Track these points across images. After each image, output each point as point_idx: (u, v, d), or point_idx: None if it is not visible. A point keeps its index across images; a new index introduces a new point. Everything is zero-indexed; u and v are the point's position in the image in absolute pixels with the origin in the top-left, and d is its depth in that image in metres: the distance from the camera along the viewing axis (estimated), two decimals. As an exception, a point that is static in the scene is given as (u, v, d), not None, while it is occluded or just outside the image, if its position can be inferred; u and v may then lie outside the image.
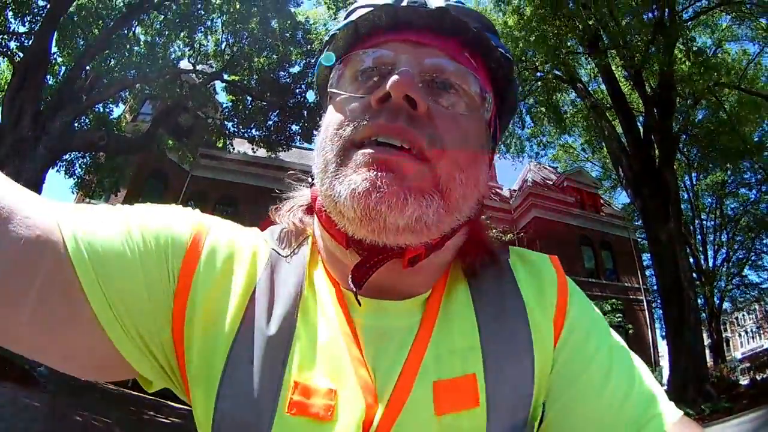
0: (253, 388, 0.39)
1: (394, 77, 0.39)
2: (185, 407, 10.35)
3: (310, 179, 0.50)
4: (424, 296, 0.46)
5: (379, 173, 0.38)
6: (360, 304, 0.42)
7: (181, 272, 0.42)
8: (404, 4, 0.43)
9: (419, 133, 0.39)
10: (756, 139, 16.65)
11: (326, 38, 0.48)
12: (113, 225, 0.40)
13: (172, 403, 11.59)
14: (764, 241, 18.69)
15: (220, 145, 11.48)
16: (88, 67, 10.11)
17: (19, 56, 9.23)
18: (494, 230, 0.55)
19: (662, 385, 13.02)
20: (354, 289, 0.41)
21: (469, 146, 0.42)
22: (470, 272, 0.48)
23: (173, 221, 0.44)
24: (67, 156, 10.94)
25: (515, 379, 0.42)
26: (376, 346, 0.42)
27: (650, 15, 11.18)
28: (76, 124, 10.36)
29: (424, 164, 0.39)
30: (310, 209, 0.51)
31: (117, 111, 15.98)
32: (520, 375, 0.42)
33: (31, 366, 9.14)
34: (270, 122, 11.21)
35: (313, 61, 11.29)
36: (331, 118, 0.43)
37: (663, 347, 15.60)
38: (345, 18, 0.48)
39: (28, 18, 9.72)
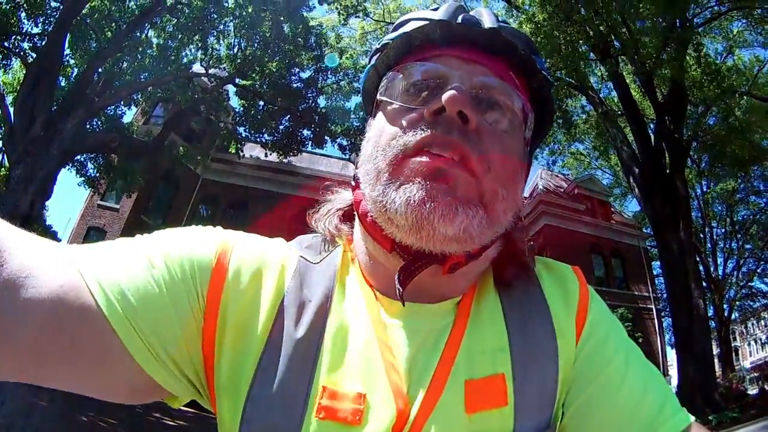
0: (282, 393, 0.40)
1: (450, 92, 0.40)
2: (192, 410, 10.41)
3: (352, 182, 0.50)
4: (456, 299, 0.47)
5: (434, 183, 0.39)
6: (404, 304, 0.43)
7: (209, 293, 0.42)
8: (459, 21, 0.45)
9: (471, 148, 0.41)
10: (767, 146, 16.51)
11: (377, 46, 0.49)
12: (135, 261, 0.40)
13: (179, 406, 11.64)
14: (774, 249, 18.57)
15: (232, 150, 11.51)
16: (100, 70, 10.14)
17: (31, 57, 9.30)
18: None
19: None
20: (401, 289, 0.42)
21: (512, 163, 0.44)
22: (501, 282, 0.49)
23: (196, 244, 0.44)
24: (80, 156, 10.99)
25: (541, 379, 0.43)
26: (409, 349, 0.43)
27: (661, 21, 11.07)
28: (88, 126, 10.42)
29: (473, 177, 0.41)
30: (346, 214, 0.52)
31: (129, 114, 16.12)
32: (546, 376, 0.44)
33: None
34: (281, 127, 11.23)
35: (324, 66, 11.33)
36: (383, 126, 0.44)
37: (672, 356, 15.51)
38: (396, 28, 0.49)
39: (41, 19, 9.78)
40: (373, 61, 0.49)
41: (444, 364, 0.42)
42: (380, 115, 0.46)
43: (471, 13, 0.48)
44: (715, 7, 12.68)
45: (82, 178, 11.07)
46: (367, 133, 0.48)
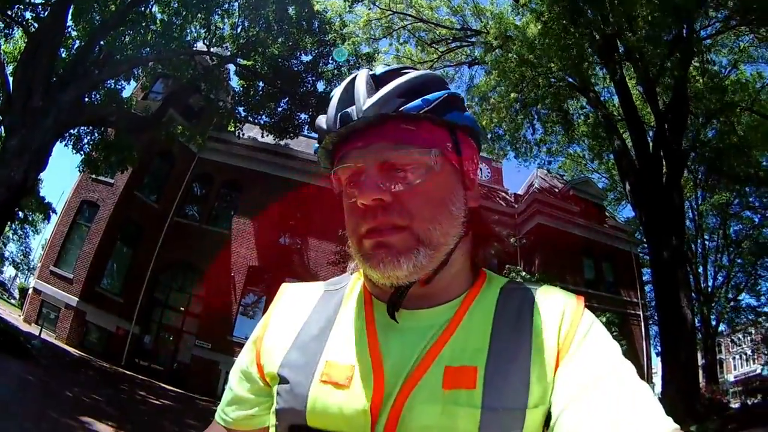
0: (300, 365, 0.58)
1: (362, 190, 0.54)
2: (177, 390, 10.29)
3: None
4: (459, 300, 0.60)
5: (379, 251, 0.54)
6: (398, 321, 0.58)
7: (257, 360, 0.64)
8: (339, 125, 0.56)
9: (391, 215, 0.54)
10: (764, 163, 16.55)
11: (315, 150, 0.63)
12: (231, 391, 0.67)
13: (164, 385, 11.64)
14: (766, 266, 18.63)
15: (231, 128, 11.44)
16: (102, 42, 10.03)
17: (34, 27, 9.16)
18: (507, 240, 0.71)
19: (653, 401, 12.95)
20: (392, 315, 0.58)
21: (434, 199, 0.56)
22: (483, 261, 0.64)
23: (244, 360, 0.67)
24: (75, 131, 10.86)
25: (510, 375, 0.53)
26: (395, 338, 0.57)
27: (668, 31, 11.04)
28: (86, 99, 10.31)
29: (404, 231, 0.54)
30: None
31: (128, 88, 15.96)
32: (516, 374, 0.53)
33: (26, 338, 9.13)
34: (279, 109, 11.17)
35: (326, 51, 11.26)
36: (347, 216, 0.59)
37: (657, 363, 15.59)
38: (317, 132, 0.62)
39: None
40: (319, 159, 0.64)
41: (431, 353, 0.55)
42: (344, 205, 0.60)
43: (352, 85, 0.58)
44: (723, 21, 12.63)
45: (81, 158, 10.93)
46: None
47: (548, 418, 0.52)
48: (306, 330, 0.62)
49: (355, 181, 0.57)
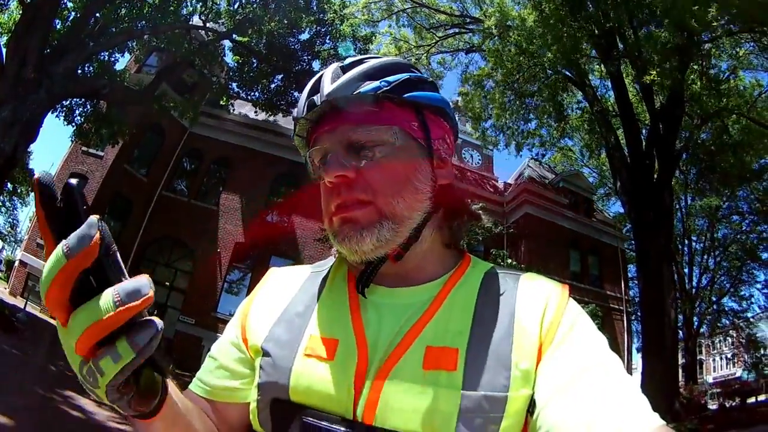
0: (284, 339, 0.59)
1: (326, 169, 0.57)
2: None
3: None
4: (444, 278, 0.61)
5: (345, 226, 0.57)
6: (365, 297, 0.60)
7: (242, 334, 0.64)
8: (305, 114, 0.60)
9: (355, 191, 0.57)
10: (756, 169, 16.68)
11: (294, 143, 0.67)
12: (214, 359, 0.65)
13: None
14: (750, 271, 18.85)
15: (224, 103, 11.35)
16: (97, 14, 9.91)
17: None
18: (486, 220, 0.70)
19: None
20: (362, 291, 0.60)
21: (396, 175, 0.58)
22: (455, 237, 0.66)
23: (230, 332, 0.67)
24: (67, 103, 10.75)
25: (490, 360, 0.53)
26: (376, 315, 0.58)
27: (670, 36, 11.00)
28: (79, 71, 10.19)
29: (368, 205, 0.56)
30: None
31: (122, 61, 15.77)
32: (496, 357, 0.53)
33: (11, 311, 9.07)
34: (273, 86, 11.07)
35: (323, 30, 11.15)
36: (321, 197, 0.62)
37: (637, 359, 15.74)
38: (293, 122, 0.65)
39: None
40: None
41: (413, 331, 0.55)
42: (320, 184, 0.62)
43: (321, 76, 0.61)
44: (725, 26, 12.60)
45: (73, 129, 10.82)
46: None
47: (531, 406, 0.51)
48: (291, 307, 0.63)
49: (325, 162, 0.59)
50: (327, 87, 0.58)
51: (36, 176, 0.36)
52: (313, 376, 0.55)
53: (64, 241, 0.35)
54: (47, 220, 0.37)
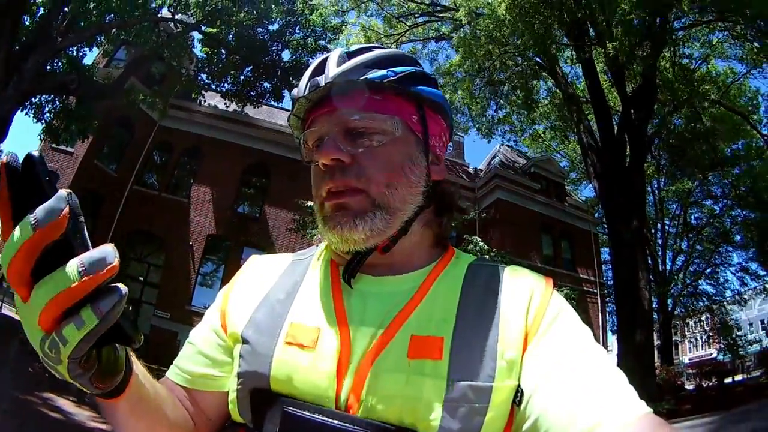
0: (265, 326, 0.57)
1: (321, 151, 0.56)
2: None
3: None
4: (428, 268, 0.61)
5: (337, 213, 0.56)
6: (352, 287, 0.59)
7: (221, 320, 0.63)
8: (306, 93, 0.59)
9: (349, 177, 0.56)
10: (728, 153, 17.02)
11: (288, 121, 0.67)
12: (193, 345, 0.64)
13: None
14: (723, 255, 19.25)
15: (194, 95, 11.24)
16: (66, 9, 9.72)
17: None
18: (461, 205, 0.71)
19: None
20: (347, 280, 0.59)
21: (392, 164, 0.57)
22: (443, 233, 0.65)
23: (210, 318, 0.65)
24: (36, 99, 10.57)
25: (476, 348, 0.52)
26: (360, 303, 0.57)
27: (642, 20, 11.11)
28: (48, 67, 10.02)
29: (360, 193, 0.56)
30: None
31: (90, 56, 15.44)
32: (482, 346, 0.53)
33: None
34: (242, 77, 10.98)
35: (293, 21, 11.08)
36: (312, 180, 0.61)
37: (612, 341, 16.00)
38: (291, 101, 0.65)
39: None
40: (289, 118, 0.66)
41: (398, 320, 0.55)
42: (312, 167, 0.61)
43: (325, 58, 0.61)
44: (698, 14, 12.73)
45: (42, 127, 10.63)
46: None
47: (518, 396, 0.51)
48: (272, 294, 0.61)
49: (319, 145, 0.59)
50: (332, 69, 0.58)
51: (3, 159, 0.35)
52: (294, 365, 0.53)
53: (31, 214, 0.34)
54: (9, 200, 0.35)
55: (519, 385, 0.52)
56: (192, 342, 0.64)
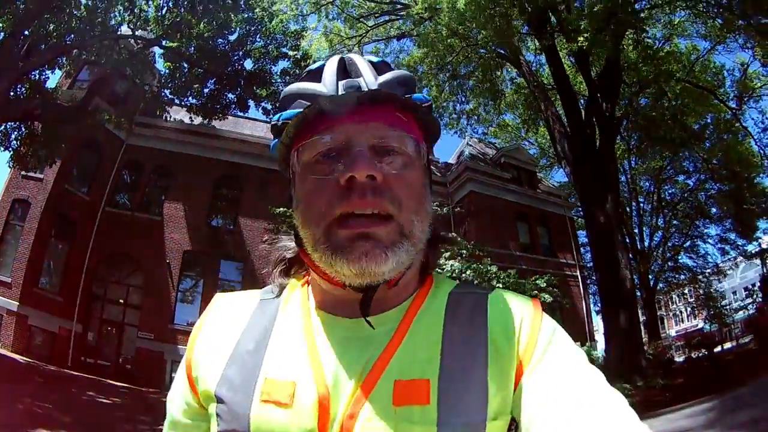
0: (238, 383, 0.53)
1: (356, 162, 0.49)
2: (125, 385, 10.13)
3: (294, 238, 0.60)
4: (406, 303, 0.57)
5: (362, 243, 0.49)
6: (374, 327, 0.53)
7: (189, 380, 0.59)
8: (342, 92, 0.53)
9: (384, 200, 0.49)
10: (697, 128, 17.38)
11: (276, 123, 0.57)
12: (171, 414, 0.61)
13: (112, 382, 11.41)
14: (700, 228, 19.67)
15: (159, 113, 11.14)
16: (26, 32, 9.57)
17: None
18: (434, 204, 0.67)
19: (598, 359, 13.55)
20: (365, 317, 0.53)
21: (416, 192, 0.53)
22: (431, 267, 0.61)
23: (180, 383, 0.61)
24: (2, 128, 10.39)
25: (466, 387, 0.50)
26: (343, 350, 0.53)
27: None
28: (11, 93, 9.84)
29: (390, 222, 0.50)
30: (291, 263, 0.64)
31: (53, 78, 15.17)
32: (472, 386, 0.50)
33: None
34: (206, 90, 10.92)
35: (253, 29, 11.03)
36: (309, 198, 0.52)
37: (597, 322, 16.28)
38: (284, 102, 0.58)
39: None
40: (277, 139, 0.57)
41: (379, 365, 0.51)
42: (301, 186, 0.54)
43: (350, 62, 0.57)
44: None
45: (9, 155, 10.45)
46: (294, 199, 0.56)
47: (512, 430, 0.50)
48: (242, 343, 0.57)
49: (335, 156, 0.52)
50: (370, 76, 0.54)
51: None
52: (273, 424, 0.50)
53: None
54: None
55: (513, 418, 0.51)
56: (168, 410, 0.62)
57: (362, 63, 0.56)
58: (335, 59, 0.57)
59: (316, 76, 0.57)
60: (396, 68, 0.60)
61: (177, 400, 0.60)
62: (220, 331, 0.59)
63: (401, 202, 0.51)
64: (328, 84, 0.55)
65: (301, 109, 0.53)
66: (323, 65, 0.58)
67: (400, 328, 0.54)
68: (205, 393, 0.56)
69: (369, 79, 0.54)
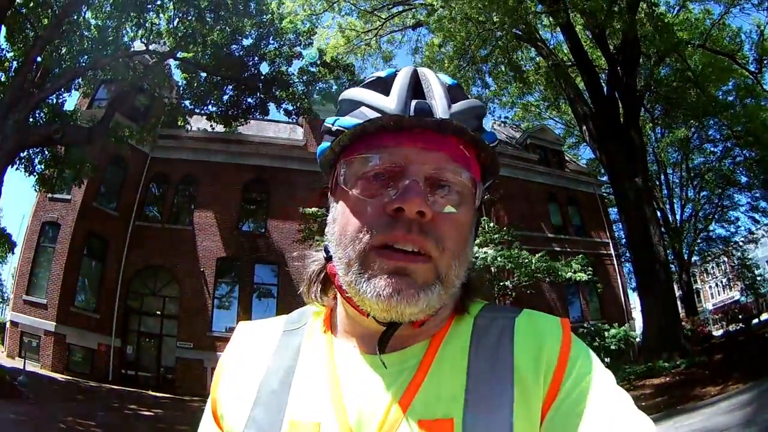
0: (265, 426, 0.51)
1: (409, 194, 0.46)
2: (167, 395, 10.30)
3: (323, 253, 0.57)
4: (425, 342, 0.53)
5: (397, 278, 0.46)
6: (386, 366, 0.51)
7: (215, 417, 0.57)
8: (412, 114, 0.48)
9: (428, 240, 0.47)
10: (720, 96, 16.91)
11: (330, 127, 0.53)
12: None
13: (153, 393, 11.61)
14: (730, 197, 19.20)
15: (180, 124, 11.21)
16: (38, 59, 9.69)
17: None
18: None
19: (636, 339, 13.31)
20: (378, 354, 0.51)
21: (462, 235, 0.50)
22: (475, 321, 0.56)
23: (206, 423, 0.59)
24: (25, 153, 10.55)
25: (491, 426, 0.47)
26: (367, 388, 0.51)
27: None
28: (30, 119, 9.99)
29: (430, 262, 0.47)
30: (326, 278, 0.59)
31: (71, 100, 15.42)
32: (497, 423, 0.47)
33: (11, 375, 8.94)
34: (225, 97, 10.97)
35: (265, 32, 11.01)
36: (348, 216, 0.50)
37: (634, 299, 15.96)
38: (344, 106, 0.54)
39: None
40: (327, 142, 0.54)
41: (402, 404, 0.49)
42: (343, 202, 0.51)
43: (423, 81, 0.52)
44: None
45: (35, 179, 10.63)
46: (331, 211, 0.54)
47: None
48: (266, 382, 0.55)
49: (386, 179, 0.49)
50: (448, 103, 0.50)
51: None
52: None
53: None
54: None
55: None
56: None
57: (436, 85, 0.52)
58: (408, 71, 0.53)
59: (385, 87, 0.52)
60: (467, 97, 0.54)
61: None
62: (245, 368, 0.57)
63: (445, 245, 0.48)
64: (396, 100, 0.50)
65: (361, 121, 0.50)
66: (394, 75, 0.53)
67: (423, 362, 0.52)
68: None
69: (441, 106, 0.50)
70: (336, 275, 0.52)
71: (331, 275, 0.55)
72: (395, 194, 0.47)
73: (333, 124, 0.53)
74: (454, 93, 0.52)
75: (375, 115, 0.50)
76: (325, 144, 0.55)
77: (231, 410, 0.55)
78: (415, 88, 0.51)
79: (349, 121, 0.51)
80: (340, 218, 0.51)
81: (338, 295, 0.56)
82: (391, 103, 0.50)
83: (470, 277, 0.55)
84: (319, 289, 0.59)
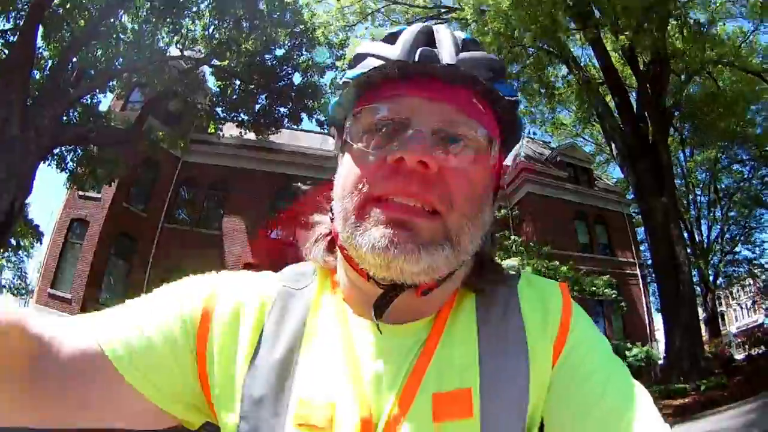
0: (265, 403, 0.46)
1: (409, 144, 0.43)
2: None
3: (329, 213, 0.53)
4: (433, 315, 0.51)
5: (396, 231, 0.43)
6: (381, 332, 0.48)
7: (197, 344, 0.49)
8: (416, 59, 0.45)
9: (430, 193, 0.43)
10: (749, 116, 16.63)
11: (339, 82, 0.55)
12: (139, 323, 0.48)
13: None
14: (757, 218, 18.85)
15: (212, 131, 11.39)
16: (74, 59, 9.94)
17: (4, 54, 9.06)
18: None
19: (659, 359, 13.10)
20: (375, 320, 0.48)
21: (476, 195, 0.46)
22: (477, 291, 0.53)
23: (184, 303, 0.51)
24: (57, 150, 10.80)
25: (509, 395, 0.46)
26: (378, 363, 0.47)
27: None
28: (64, 118, 10.23)
29: (436, 219, 0.44)
30: (332, 241, 0.55)
31: (105, 101, 15.81)
32: (514, 392, 0.46)
33: None
34: (258, 106, 11.11)
35: (299, 42, 11.15)
36: (349, 169, 0.47)
37: (659, 321, 15.70)
38: (354, 61, 0.51)
39: (13, 14, 9.44)
40: (337, 98, 0.51)
41: (414, 377, 0.46)
42: (347, 155, 0.48)
43: (435, 33, 0.49)
44: None
45: (66, 176, 10.88)
46: (338, 169, 0.51)
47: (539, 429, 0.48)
48: (265, 350, 0.49)
49: (391, 131, 0.46)
50: (456, 50, 0.47)
51: None
52: None
53: None
54: None
55: (541, 420, 0.47)
56: (141, 327, 0.48)
57: (446, 35, 0.48)
58: (419, 25, 0.49)
59: (393, 38, 0.49)
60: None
61: (168, 338, 0.48)
62: (235, 326, 0.50)
63: (454, 201, 0.44)
64: (401, 48, 0.47)
65: (365, 70, 0.47)
66: (404, 29, 0.50)
67: (433, 334, 0.49)
68: (221, 404, 0.48)
69: (449, 53, 0.46)
70: (338, 236, 0.49)
71: (335, 235, 0.52)
72: (397, 146, 0.44)
73: (340, 79, 0.51)
74: (466, 44, 0.50)
75: (379, 63, 0.47)
76: (334, 100, 0.52)
77: (222, 371, 0.49)
78: (425, 39, 0.48)
79: (353, 73, 0.49)
80: (343, 172, 0.49)
81: (340, 259, 0.52)
82: (395, 50, 0.47)
83: (484, 251, 0.52)
84: (323, 248, 0.55)
